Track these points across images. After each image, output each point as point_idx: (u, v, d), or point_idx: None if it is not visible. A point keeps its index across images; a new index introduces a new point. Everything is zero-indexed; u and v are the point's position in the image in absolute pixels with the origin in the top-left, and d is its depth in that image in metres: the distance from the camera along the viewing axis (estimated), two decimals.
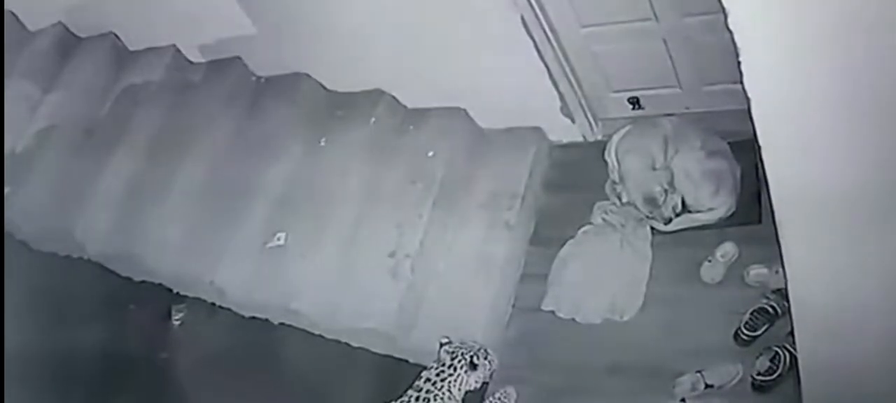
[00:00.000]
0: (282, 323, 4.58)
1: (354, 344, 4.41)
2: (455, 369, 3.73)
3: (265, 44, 5.12)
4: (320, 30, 4.74)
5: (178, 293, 4.92)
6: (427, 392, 3.69)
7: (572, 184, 4.70)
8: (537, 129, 4.83)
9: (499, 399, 3.89)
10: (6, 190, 5.26)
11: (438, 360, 3.78)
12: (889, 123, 1.99)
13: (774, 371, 3.56)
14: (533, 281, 4.40)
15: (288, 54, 5.14)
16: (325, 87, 5.20)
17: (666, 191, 4.26)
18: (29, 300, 4.63)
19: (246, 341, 4.64)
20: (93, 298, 4.96)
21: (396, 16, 4.42)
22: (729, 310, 3.85)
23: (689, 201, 4.28)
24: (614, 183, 4.49)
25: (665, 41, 4.29)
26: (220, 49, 5.39)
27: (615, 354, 3.93)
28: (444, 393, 3.70)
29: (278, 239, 4.70)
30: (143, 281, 4.94)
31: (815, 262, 2.46)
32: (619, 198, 4.45)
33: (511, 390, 3.92)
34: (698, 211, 4.26)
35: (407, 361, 4.25)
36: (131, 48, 5.77)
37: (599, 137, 4.79)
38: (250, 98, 5.33)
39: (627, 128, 4.47)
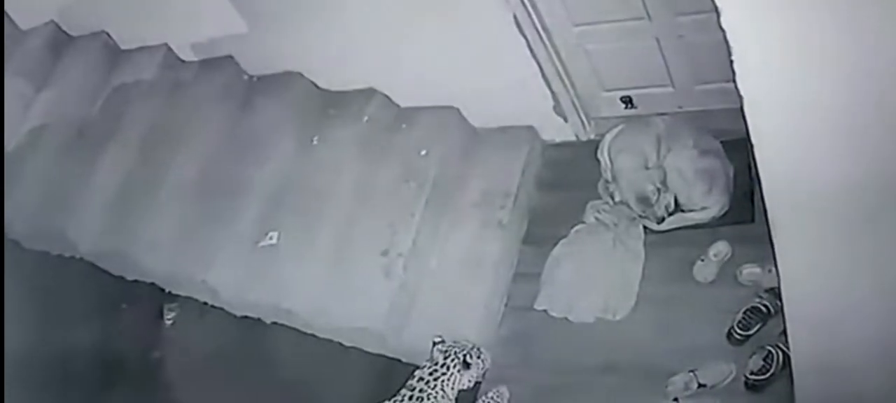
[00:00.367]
0: (274, 322, 4.55)
1: (347, 344, 4.39)
2: (448, 368, 3.74)
3: (257, 42, 5.10)
4: (312, 28, 4.73)
5: (170, 292, 4.89)
6: (420, 391, 3.70)
7: (565, 183, 4.71)
8: (530, 128, 4.83)
9: (492, 398, 3.89)
10: None
11: (431, 359, 3.78)
12: (882, 121, 2.00)
13: (767, 371, 3.56)
14: (526, 280, 4.39)
15: (280, 53, 5.11)
16: (317, 86, 5.18)
17: (659, 190, 4.27)
18: (20, 299, 4.61)
19: (238, 340, 4.63)
20: (85, 297, 4.94)
21: (389, 14, 4.42)
22: (722, 309, 3.84)
23: (681, 200, 4.28)
24: (607, 182, 4.50)
25: (658, 40, 4.30)
26: (213, 48, 5.37)
27: (608, 353, 3.93)
28: (437, 392, 3.70)
29: (271, 238, 4.68)
30: (135, 280, 4.91)
31: (807, 261, 2.47)
32: (612, 197, 4.45)
33: (504, 389, 3.92)
34: (691, 210, 4.27)
35: (400, 360, 4.25)
36: (123, 47, 5.73)
37: (592, 136, 4.80)
38: (243, 97, 5.30)
39: (620, 127, 4.47)
